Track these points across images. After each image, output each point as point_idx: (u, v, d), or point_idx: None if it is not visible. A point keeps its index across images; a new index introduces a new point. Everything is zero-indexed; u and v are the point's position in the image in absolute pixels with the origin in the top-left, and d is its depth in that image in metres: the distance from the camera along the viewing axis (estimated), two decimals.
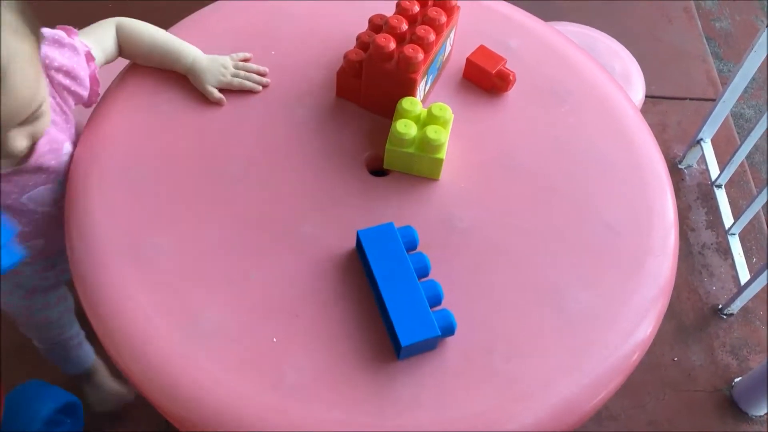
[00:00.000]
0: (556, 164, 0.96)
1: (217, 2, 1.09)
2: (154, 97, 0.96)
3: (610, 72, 1.10)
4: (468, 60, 1.00)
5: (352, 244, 0.85)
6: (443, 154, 0.90)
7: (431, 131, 0.89)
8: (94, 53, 0.89)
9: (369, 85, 0.92)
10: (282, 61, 1.01)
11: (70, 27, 0.89)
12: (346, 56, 0.93)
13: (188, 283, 0.81)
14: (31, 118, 0.76)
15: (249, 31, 1.04)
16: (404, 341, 0.77)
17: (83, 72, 0.88)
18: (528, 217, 0.91)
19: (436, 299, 0.81)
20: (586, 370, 0.80)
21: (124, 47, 0.94)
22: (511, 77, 0.99)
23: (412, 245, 0.84)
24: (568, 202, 0.93)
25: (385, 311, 0.79)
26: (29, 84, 0.74)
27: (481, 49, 1.01)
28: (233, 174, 0.90)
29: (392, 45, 0.88)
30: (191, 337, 0.78)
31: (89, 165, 0.90)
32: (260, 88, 0.97)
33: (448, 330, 0.79)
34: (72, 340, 1.18)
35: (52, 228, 0.90)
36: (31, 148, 0.82)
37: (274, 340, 0.78)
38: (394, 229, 0.83)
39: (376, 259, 0.81)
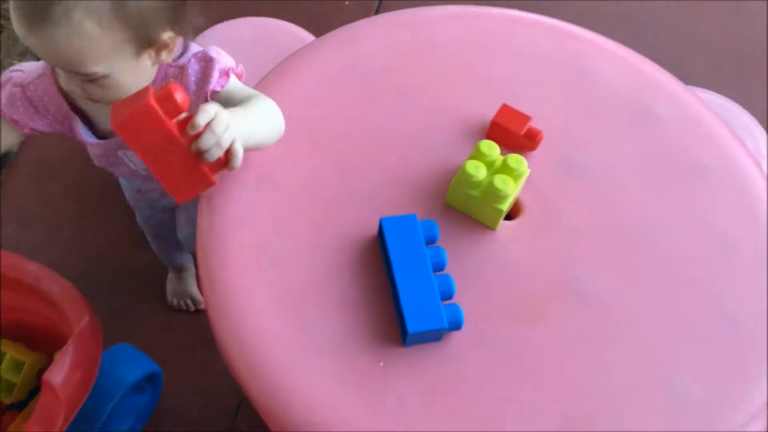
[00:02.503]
0: (676, 236, 0.92)
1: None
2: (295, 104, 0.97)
3: None
4: (493, 122, 0.96)
5: None
6: (506, 206, 0.87)
7: (499, 180, 0.86)
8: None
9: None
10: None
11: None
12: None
13: (307, 292, 0.83)
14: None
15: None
16: (411, 329, 0.77)
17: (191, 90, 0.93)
18: (626, 287, 0.88)
19: (447, 294, 0.81)
20: None
21: None
22: (539, 137, 0.95)
23: (431, 239, 0.85)
24: (684, 280, 0.89)
25: (396, 298, 0.81)
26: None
27: (505, 109, 0.97)
28: (361, 194, 0.92)
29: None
30: (304, 345, 0.80)
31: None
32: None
33: (456, 324, 0.80)
34: (177, 242, 1.36)
35: None
36: None
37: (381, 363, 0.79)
38: (416, 221, 0.85)
39: (394, 246, 0.83)
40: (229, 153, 0.77)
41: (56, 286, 1.10)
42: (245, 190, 0.89)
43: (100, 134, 1.01)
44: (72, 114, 0.98)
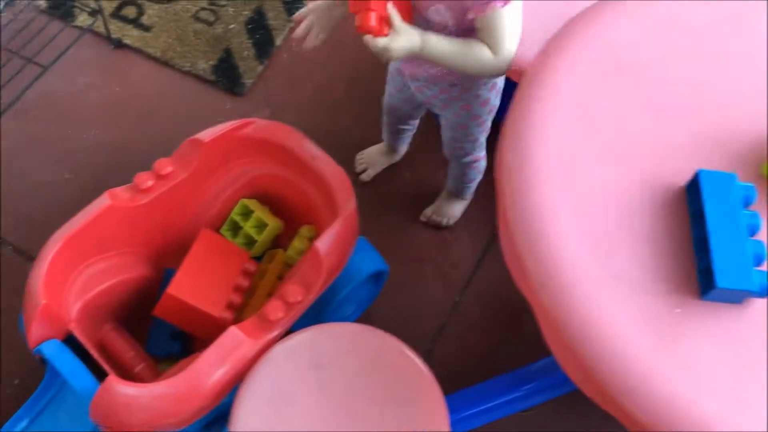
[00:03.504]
0: None
1: None
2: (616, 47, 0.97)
3: None
4: None
5: None
6: None
7: None
8: None
9: None
10: None
11: None
12: None
13: (610, 226, 0.83)
14: None
15: None
16: (720, 283, 0.76)
17: None
18: None
19: (758, 259, 0.79)
20: None
21: None
22: None
23: (747, 202, 0.83)
24: None
25: (706, 250, 0.79)
26: None
27: None
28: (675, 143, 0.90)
29: None
30: (603, 274, 0.80)
31: (541, 85, 0.94)
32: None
33: (764, 290, 0.77)
34: (404, 129, 1.49)
35: None
36: None
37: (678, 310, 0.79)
38: (735, 180, 0.83)
39: (711, 200, 0.81)
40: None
41: (330, 168, 1.18)
42: (558, 116, 0.90)
43: None
44: None
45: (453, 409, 1.07)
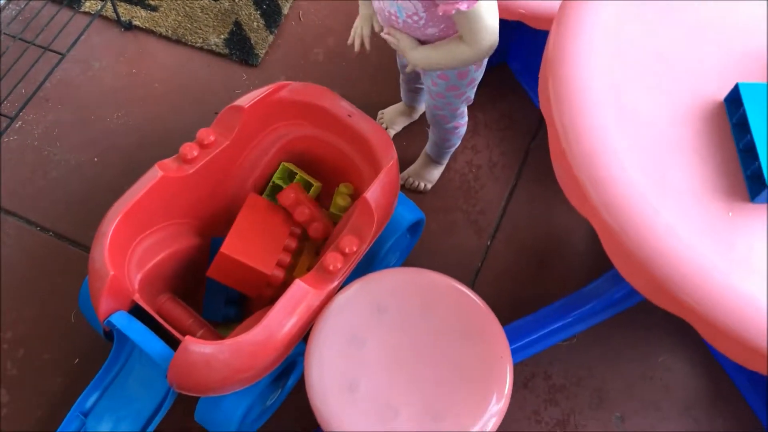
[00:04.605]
0: None
1: None
2: None
3: None
4: None
5: None
6: None
7: None
8: None
9: None
10: None
11: None
12: None
13: (660, 144, 0.88)
14: None
15: None
16: None
17: None
18: None
19: None
20: None
21: None
22: None
23: None
24: None
25: (753, 155, 0.84)
26: None
27: None
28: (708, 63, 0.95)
29: None
30: (659, 189, 0.85)
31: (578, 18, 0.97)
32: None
33: None
34: (415, 89, 1.54)
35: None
36: None
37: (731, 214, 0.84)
38: None
39: (752, 108, 0.86)
40: None
41: (366, 123, 1.22)
42: (597, 46, 0.94)
43: None
44: None
45: (510, 340, 1.13)
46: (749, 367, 0.84)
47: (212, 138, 1.20)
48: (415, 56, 1.15)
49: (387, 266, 1.35)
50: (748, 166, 0.85)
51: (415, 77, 1.47)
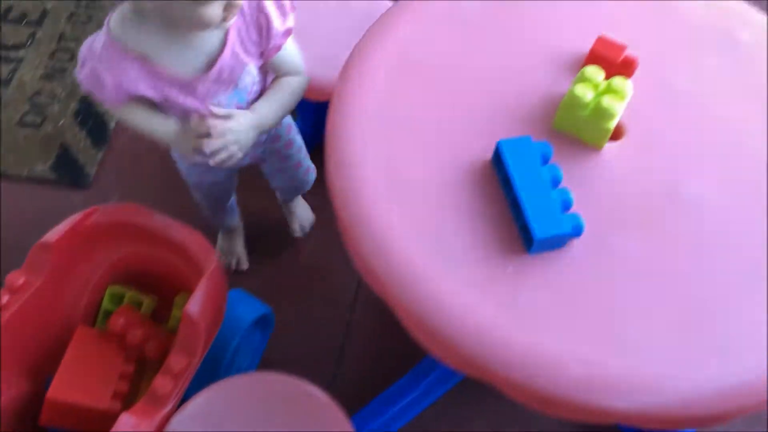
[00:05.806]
0: None
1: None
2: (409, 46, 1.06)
3: None
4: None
5: None
6: (612, 124, 0.94)
7: (606, 100, 0.93)
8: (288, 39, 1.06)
9: None
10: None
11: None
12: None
13: (433, 209, 0.92)
14: None
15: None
16: (539, 234, 0.85)
17: (275, 32, 1.02)
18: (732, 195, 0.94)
19: (566, 204, 0.89)
20: None
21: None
22: (634, 64, 1.01)
23: (546, 158, 0.93)
24: None
25: (520, 210, 0.87)
26: None
27: (601, 39, 1.02)
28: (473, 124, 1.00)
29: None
30: (437, 253, 0.88)
31: (350, 100, 1.02)
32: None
33: (578, 229, 0.87)
34: (229, 203, 1.47)
35: None
36: (214, 62, 1.01)
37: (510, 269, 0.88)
38: (530, 141, 0.93)
39: (514, 164, 0.91)
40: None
41: (184, 232, 1.20)
42: (365, 122, 0.98)
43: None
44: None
45: (363, 425, 1.11)
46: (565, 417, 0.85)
47: (22, 280, 1.16)
48: (261, 123, 1.08)
49: (239, 370, 1.32)
50: (518, 219, 0.89)
51: (225, 193, 1.43)
